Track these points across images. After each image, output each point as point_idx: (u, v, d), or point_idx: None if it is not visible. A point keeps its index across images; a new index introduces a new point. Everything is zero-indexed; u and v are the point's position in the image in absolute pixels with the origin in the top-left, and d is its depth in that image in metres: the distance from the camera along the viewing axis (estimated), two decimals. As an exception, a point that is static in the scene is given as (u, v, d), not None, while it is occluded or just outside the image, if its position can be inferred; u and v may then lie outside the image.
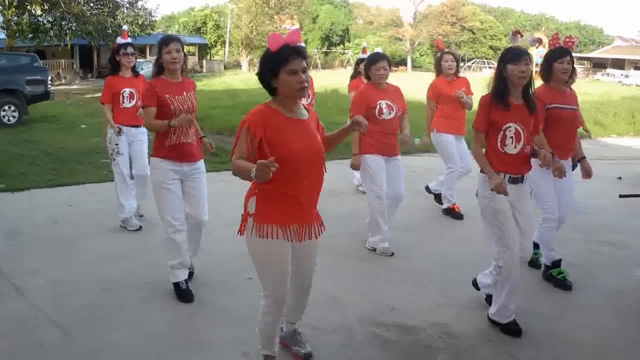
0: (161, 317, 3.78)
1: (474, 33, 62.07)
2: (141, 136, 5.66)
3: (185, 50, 4.12)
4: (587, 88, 28.61)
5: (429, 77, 6.68)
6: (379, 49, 5.48)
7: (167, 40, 4.02)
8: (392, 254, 5.07)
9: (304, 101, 4.51)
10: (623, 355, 3.50)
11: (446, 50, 6.45)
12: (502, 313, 3.71)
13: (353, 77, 7.43)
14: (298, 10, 48.76)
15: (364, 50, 7.78)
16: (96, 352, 3.36)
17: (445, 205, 6.35)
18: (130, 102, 5.45)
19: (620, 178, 8.30)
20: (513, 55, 3.58)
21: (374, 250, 5.13)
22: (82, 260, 4.75)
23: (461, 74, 6.55)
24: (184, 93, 4.04)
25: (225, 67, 43.89)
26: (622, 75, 44.10)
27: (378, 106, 4.89)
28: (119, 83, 5.48)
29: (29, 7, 23.53)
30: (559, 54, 4.26)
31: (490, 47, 63.34)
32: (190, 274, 4.27)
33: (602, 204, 6.75)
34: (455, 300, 4.15)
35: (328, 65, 52.20)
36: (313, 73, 36.87)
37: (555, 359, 3.42)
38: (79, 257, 4.80)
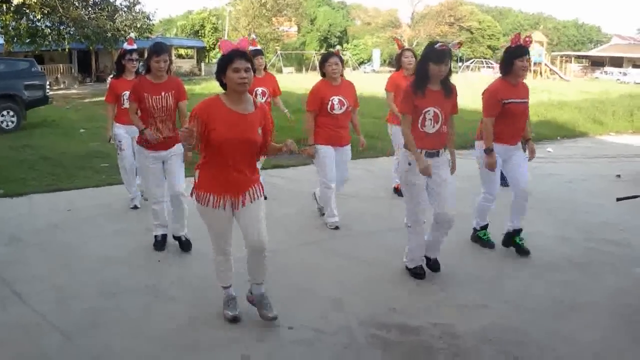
0: (163, 322, 3.78)
1: (472, 33, 62.18)
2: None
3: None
4: (585, 86, 28.73)
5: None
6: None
7: (158, 51, 4.71)
8: (337, 227, 5.68)
9: (260, 99, 6.12)
10: (624, 353, 3.49)
11: (406, 47, 6.97)
12: (411, 260, 4.55)
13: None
14: (296, 12, 48.83)
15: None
16: (98, 357, 3.36)
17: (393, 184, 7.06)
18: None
19: (619, 176, 8.30)
20: (437, 57, 4.08)
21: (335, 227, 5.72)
22: (83, 265, 4.74)
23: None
24: (162, 93, 4.79)
25: (224, 70, 43.80)
26: (620, 73, 44.35)
27: (330, 102, 5.45)
28: (121, 86, 6.00)
29: (27, 12, 23.51)
30: (520, 53, 4.67)
31: (489, 47, 63.44)
32: (187, 244, 5.10)
33: (602, 203, 6.76)
34: (455, 299, 4.16)
35: (326, 67, 52.03)
36: (311, 74, 36.92)
37: (557, 357, 3.42)
38: (80, 262, 4.80)
